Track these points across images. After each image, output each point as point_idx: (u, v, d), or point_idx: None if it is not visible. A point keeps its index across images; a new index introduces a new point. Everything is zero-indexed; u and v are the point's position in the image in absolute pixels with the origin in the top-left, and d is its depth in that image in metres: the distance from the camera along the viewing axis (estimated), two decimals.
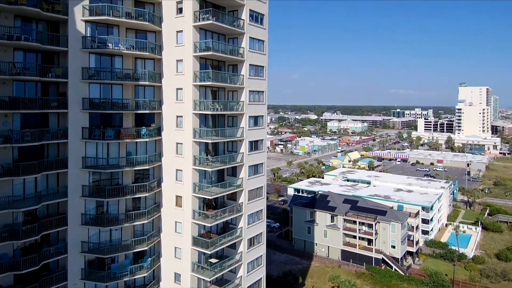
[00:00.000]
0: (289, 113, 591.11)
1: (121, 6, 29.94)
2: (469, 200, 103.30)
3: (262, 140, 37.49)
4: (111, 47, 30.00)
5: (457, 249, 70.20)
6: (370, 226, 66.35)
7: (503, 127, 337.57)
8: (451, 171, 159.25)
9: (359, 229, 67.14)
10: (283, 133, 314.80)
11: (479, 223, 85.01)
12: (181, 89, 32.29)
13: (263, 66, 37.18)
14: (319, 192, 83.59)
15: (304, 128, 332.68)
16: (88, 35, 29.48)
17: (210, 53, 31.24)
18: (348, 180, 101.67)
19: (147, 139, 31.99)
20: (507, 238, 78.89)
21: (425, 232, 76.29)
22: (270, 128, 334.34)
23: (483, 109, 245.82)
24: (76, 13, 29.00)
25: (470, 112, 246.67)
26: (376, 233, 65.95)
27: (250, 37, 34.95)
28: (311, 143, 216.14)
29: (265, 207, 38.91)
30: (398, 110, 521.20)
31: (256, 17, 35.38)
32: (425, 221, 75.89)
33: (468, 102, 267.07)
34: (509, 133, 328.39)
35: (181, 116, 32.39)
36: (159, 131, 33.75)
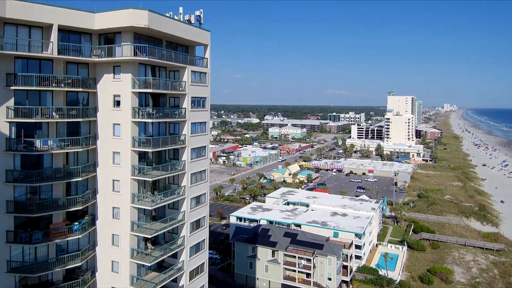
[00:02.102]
0: (232, 116, 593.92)
1: (51, 106, 28.15)
2: (396, 216, 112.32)
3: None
4: (39, 147, 28.13)
5: (386, 274, 76.39)
6: (308, 260, 69.54)
7: (425, 131, 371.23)
8: (380, 181, 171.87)
9: (298, 263, 70.03)
10: (225, 140, 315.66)
11: (405, 243, 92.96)
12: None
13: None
14: (261, 221, 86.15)
15: (246, 135, 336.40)
16: (13, 136, 27.33)
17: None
18: (288, 203, 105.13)
19: (79, 236, 30.42)
20: (429, 257, 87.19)
21: (358, 257, 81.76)
22: (212, 135, 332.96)
23: (408, 119, 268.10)
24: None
25: (397, 121, 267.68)
26: (314, 267, 69.30)
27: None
28: (253, 153, 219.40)
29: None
30: (334, 113, 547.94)
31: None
32: (358, 247, 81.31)
33: (395, 111, 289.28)
34: (431, 137, 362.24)
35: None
36: (93, 220, 32.34)
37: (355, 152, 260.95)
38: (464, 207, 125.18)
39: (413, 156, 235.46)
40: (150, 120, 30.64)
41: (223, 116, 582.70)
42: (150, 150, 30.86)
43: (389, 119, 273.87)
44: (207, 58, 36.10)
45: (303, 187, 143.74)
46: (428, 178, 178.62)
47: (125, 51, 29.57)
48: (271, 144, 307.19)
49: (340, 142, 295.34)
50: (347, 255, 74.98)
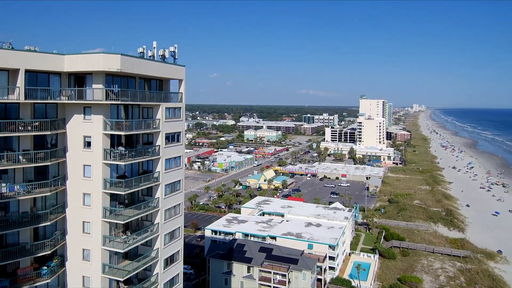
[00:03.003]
0: (207, 118, 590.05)
1: (17, 151, 27.18)
2: (368, 223, 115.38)
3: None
4: (5, 193, 27.13)
5: (358, 284, 78.46)
6: (283, 275, 70.36)
7: (396, 133, 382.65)
8: (353, 185, 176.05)
9: (273, 279, 70.68)
10: (200, 143, 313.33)
11: (377, 251, 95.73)
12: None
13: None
14: (236, 234, 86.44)
15: (222, 138, 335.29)
16: None
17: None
18: (264, 214, 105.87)
19: (48, 280, 29.62)
20: (400, 266, 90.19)
21: (331, 268, 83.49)
22: (187, 139, 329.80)
23: (380, 123, 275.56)
24: None
25: (369, 125, 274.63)
26: (289, 282, 70.19)
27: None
28: (228, 158, 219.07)
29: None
30: (308, 115, 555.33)
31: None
32: (331, 258, 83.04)
33: (367, 115, 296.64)
34: (401, 139, 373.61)
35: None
36: (63, 262, 31.51)
37: (329, 155, 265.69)
38: (432, 212, 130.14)
39: (384, 159, 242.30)
40: (122, 163, 30.13)
41: (198, 118, 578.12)
42: (123, 193, 30.36)
43: (361, 123, 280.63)
44: (181, 93, 35.90)
45: (277, 195, 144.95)
46: (398, 182, 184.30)
47: (96, 94, 29.00)
48: (247, 147, 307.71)
49: (314, 146, 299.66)
50: (321, 268, 76.47)
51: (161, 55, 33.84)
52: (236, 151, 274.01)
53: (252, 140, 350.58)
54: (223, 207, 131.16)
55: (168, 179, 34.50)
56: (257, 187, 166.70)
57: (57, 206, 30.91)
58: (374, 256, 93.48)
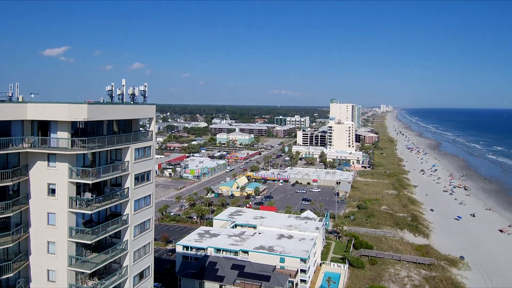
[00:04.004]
0: (178, 120, 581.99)
1: None
2: (338, 232, 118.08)
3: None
4: None
5: None
6: None
7: (364, 136, 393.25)
8: (324, 191, 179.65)
9: None
10: (171, 148, 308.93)
11: (346, 261, 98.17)
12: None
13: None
14: (208, 249, 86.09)
15: (194, 142, 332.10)
16: None
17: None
18: (236, 226, 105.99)
19: None
20: (368, 275, 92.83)
21: (303, 281, 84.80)
22: (158, 143, 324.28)
23: (349, 127, 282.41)
24: None
25: (339, 129, 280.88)
26: None
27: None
28: (200, 164, 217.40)
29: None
30: (280, 117, 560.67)
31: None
32: (303, 271, 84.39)
33: (337, 118, 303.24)
34: (369, 141, 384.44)
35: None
36: None
37: (300, 159, 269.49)
38: (399, 218, 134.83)
39: (353, 163, 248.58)
40: (89, 211, 29.37)
41: (169, 120, 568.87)
42: (89, 242, 29.62)
43: (331, 127, 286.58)
44: (152, 131, 35.41)
45: (250, 204, 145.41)
46: (367, 186, 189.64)
47: (61, 142, 28.12)
48: (219, 151, 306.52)
49: (286, 149, 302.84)
50: (293, 283, 77.61)
51: (131, 94, 33.24)
52: (208, 156, 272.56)
53: (224, 144, 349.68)
54: (195, 217, 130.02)
55: (137, 220, 33.96)
56: (230, 194, 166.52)
57: (21, 254, 29.71)
58: (344, 266, 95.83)
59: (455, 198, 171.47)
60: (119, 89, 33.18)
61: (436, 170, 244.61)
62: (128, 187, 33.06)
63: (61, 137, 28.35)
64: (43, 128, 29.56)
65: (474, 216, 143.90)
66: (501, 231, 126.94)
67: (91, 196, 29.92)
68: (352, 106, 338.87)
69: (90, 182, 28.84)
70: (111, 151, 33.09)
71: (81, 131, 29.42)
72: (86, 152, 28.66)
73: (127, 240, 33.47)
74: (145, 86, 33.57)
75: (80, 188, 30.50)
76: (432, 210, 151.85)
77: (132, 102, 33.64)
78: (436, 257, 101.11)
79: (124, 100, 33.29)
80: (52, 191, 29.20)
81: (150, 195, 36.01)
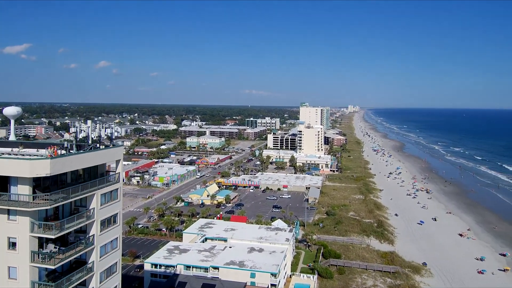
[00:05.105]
0: (146, 122, 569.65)
1: None
2: (307, 241, 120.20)
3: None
4: None
5: None
6: None
7: (333, 138, 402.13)
8: (294, 197, 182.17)
9: None
10: (139, 153, 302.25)
11: (315, 271, 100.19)
12: None
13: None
14: (177, 266, 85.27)
15: (163, 146, 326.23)
16: None
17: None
18: (206, 239, 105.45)
19: None
20: (336, 285, 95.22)
21: None
22: (125, 148, 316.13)
23: (318, 131, 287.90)
24: None
25: (309, 133, 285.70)
26: None
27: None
28: (170, 170, 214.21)
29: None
30: (251, 118, 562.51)
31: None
32: (273, 285, 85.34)
33: (307, 122, 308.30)
34: (337, 143, 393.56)
35: None
36: None
37: (271, 163, 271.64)
38: (365, 224, 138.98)
39: (322, 167, 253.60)
40: (52, 266, 28.38)
41: (137, 122, 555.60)
42: None
43: (301, 131, 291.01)
44: (119, 173, 34.70)
45: (221, 213, 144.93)
46: (335, 191, 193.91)
47: (22, 197, 27.00)
48: (189, 155, 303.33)
49: (257, 153, 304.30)
50: None
51: (96, 137, 32.44)
52: (178, 161, 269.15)
53: (194, 147, 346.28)
54: (164, 229, 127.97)
55: (103, 266, 33.12)
56: (200, 203, 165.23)
57: None
58: (313, 277, 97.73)
59: (418, 202, 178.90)
60: (84, 131, 32.36)
61: (400, 173, 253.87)
62: (94, 234, 32.25)
63: (22, 193, 27.20)
64: (2, 181, 28.24)
65: (435, 220, 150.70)
66: (460, 235, 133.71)
67: (55, 248, 28.94)
68: (321, 110, 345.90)
69: (53, 236, 27.89)
70: (75, 200, 32.09)
71: (44, 181, 28.35)
72: (48, 207, 27.69)
73: (93, 287, 32.67)
74: (112, 129, 32.91)
75: (43, 239, 29.42)
76: (396, 215, 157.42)
77: (98, 145, 32.75)
78: (401, 264, 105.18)
79: (89, 141, 32.39)
80: (12, 245, 27.97)
81: (117, 238, 35.28)
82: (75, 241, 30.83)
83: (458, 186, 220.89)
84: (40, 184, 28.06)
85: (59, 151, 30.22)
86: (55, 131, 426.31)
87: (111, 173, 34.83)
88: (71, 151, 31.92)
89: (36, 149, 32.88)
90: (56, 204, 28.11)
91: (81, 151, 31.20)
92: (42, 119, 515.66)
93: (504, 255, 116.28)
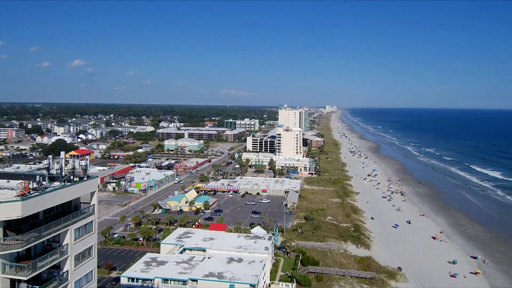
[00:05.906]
0: (123, 123, 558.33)
1: None
2: (286, 247, 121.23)
3: None
4: None
5: None
6: None
7: (311, 140, 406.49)
8: (273, 201, 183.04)
9: None
10: (115, 157, 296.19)
11: (294, 280, 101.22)
12: None
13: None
14: (155, 280, 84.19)
15: (140, 150, 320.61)
16: None
17: None
18: (185, 250, 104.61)
19: None
20: None
21: None
22: (100, 152, 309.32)
23: (297, 134, 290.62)
24: None
25: (287, 136, 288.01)
26: None
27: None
28: (147, 176, 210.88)
29: None
30: (230, 120, 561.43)
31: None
32: None
33: (286, 125, 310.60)
34: (315, 145, 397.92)
35: None
36: None
37: (250, 166, 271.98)
38: (343, 229, 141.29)
39: (300, 170, 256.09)
40: None
41: (113, 124, 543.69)
42: None
43: (280, 134, 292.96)
44: (94, 204, 34.05)
45: (199, 221, 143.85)
46: (313, 195, 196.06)
47: None
48: (167, 159, 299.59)
49: (236, 156, 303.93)
50: None
51: (70, 169, 31.67)
52: (156, 165, 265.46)
53: (173, 151, 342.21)
54: (141, 239, 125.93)
55: None
56: (178, 210, 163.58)
57: None
58: (291, 285, 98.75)
59: (393, 205, 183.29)
60: (57, 163, 31.48)
61: (376, 175, 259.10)
62: (68, 270, 31.54)
63: None
64: None
65: (410, 223, 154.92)
66: (434, 238, 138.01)
67: (27, 287, 28.15)
68: (300, 112, 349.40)
69: (25, 278, 27.14)
70: (48, 238, 31.31)
71: (15, 221, 27.50)
72: (20, 249, 26.91)
73: None
74: (86, 160, 32.20)
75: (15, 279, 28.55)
76: (372, 218, 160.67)
77: (72, 178, 32.01)
78: (377, 269, 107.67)
79: (63, 173, 31.62)
80: None
81: (92, 270, 34.65)
82: (49, 278, 30.08)
83: (430, 188, 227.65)
84: (11, 223, 27.23)
85: (30, 185, 29.38)
86: (26, 134, 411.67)
87: (85, 204, 34.11)
88: (43, 182, 31.07)
89: (6, 180, 31.85)
90: (28, 245, 27.34)
91: (54, 185, 30.40)
92: (13, 121, 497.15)
93: (475, 257, 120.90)
